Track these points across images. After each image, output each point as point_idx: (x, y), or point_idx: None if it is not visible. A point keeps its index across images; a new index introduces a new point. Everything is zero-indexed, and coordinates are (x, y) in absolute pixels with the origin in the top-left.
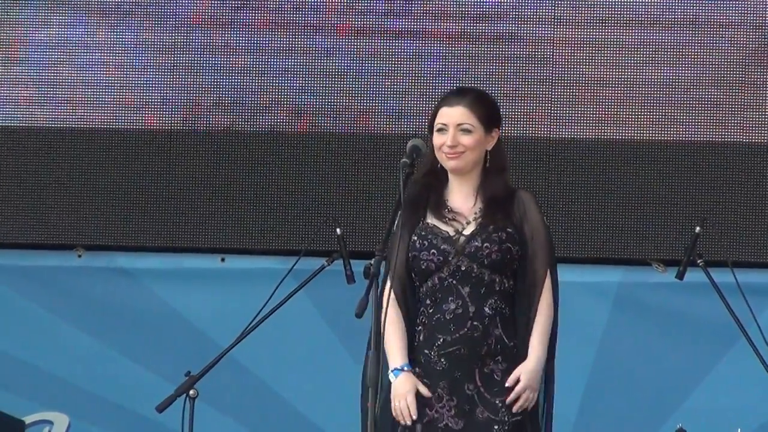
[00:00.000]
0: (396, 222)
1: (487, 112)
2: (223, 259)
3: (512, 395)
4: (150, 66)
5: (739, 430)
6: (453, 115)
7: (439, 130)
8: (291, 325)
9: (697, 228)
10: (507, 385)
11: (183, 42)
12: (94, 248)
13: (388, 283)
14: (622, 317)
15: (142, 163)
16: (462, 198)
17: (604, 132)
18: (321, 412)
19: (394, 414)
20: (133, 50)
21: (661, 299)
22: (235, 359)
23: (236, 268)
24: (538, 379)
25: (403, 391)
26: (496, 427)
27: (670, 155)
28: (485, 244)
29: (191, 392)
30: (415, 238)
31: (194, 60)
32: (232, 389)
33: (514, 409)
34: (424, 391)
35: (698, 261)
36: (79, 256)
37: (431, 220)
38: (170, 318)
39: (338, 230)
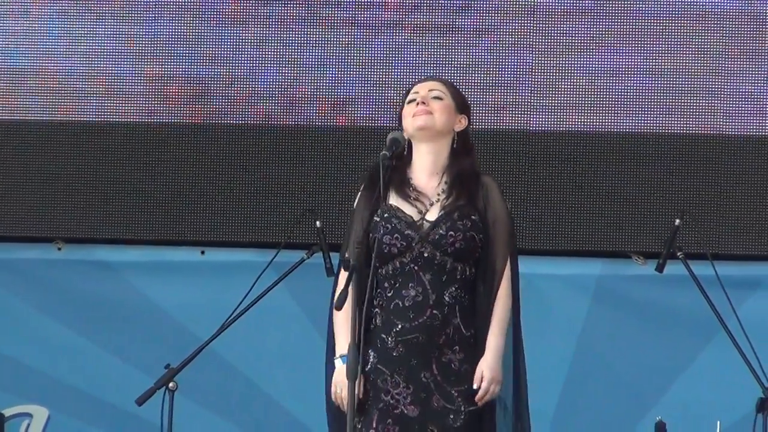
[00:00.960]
0: (356, 201)
1: (459, 95)
2: (203, 252)
3: (480, 392)
4: (130, 59)
5: (718, 422)
6: (425, 85)
7: (411, 101)
8: (270, 318)
9: (677, 220)
10: (474, 386)
11: (158, 33)
12: (73, 241)
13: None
14: (601, 310)
15: (122, 156)
16: (426, 177)
17: (584, 124)
18: (300, 403)
19: (333, 398)
20: (113, 43)
21: (640, 292)
22: (214, 352)
23: (216, 261)
24: (501, 370)
25: (345, 379)
26: (451, 416)
27: (650, 147)
28: (450, 232)
29: (171, 385)
30: (377, 219)
31: (173, 53)
32: (211, 382)
33: (480, 402)
34: (360, 391)
35: (678, 253)
36: (59, 249)
37: (394, 200)
38: (150, 311)
39: (318, 223)
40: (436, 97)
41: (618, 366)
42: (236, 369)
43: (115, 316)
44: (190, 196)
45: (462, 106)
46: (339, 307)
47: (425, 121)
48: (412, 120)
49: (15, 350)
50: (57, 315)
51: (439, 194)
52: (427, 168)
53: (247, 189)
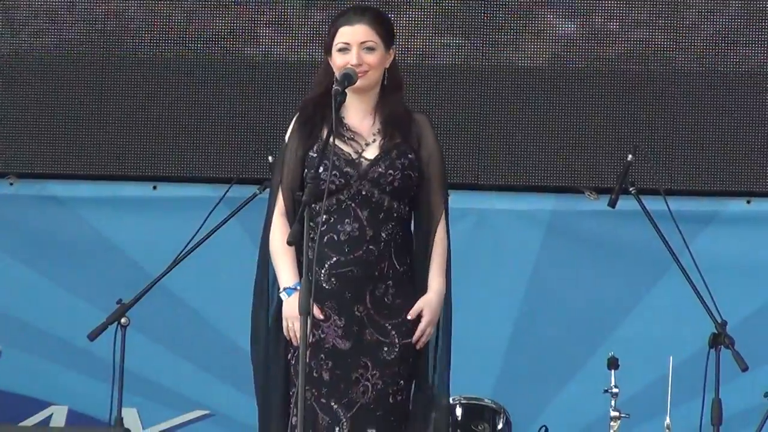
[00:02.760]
0: (287, 137)
1: (386, 30)
2: (155, 187)
3: (417, 333)
4: None
5: (671, 358)
6: (355, 33)
7: (341, 49)
8: (222, 253)
9: (630, 156)
10: (409, 317)
11: None
12: (26, 176)
13: (280, 196)
14: (554, 245)
15: (75, 90)
16: (359, 117)
17: (537, 59)
18: None
19: (285, 334)
20: None
21: (593, 227)
22: (166, 287)
23: (168, 196)
24: (438, 313)
25: (296, 313)
26: (385, 348)
27: (602, 82)
28: (389, 171)
29: (123, 320)
30: (314, 155)
31: None
32: (163, 317)
33: (418, 346)
34: (317, 312)
35: (630, 189)
36: (11, 184)
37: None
38: (102, 246)
39: (270, 158)
40: (369, 49)
41: (570, 301)
42: (188, 304)
43: (68, 252)
44: (142, 130)
45: (389, 40)
46: (292, 243)
47: (361, 84)
48: None
49: None
50: (9, 250)
51: (374, 134)
52: (359, 109)
53: (200, 124)
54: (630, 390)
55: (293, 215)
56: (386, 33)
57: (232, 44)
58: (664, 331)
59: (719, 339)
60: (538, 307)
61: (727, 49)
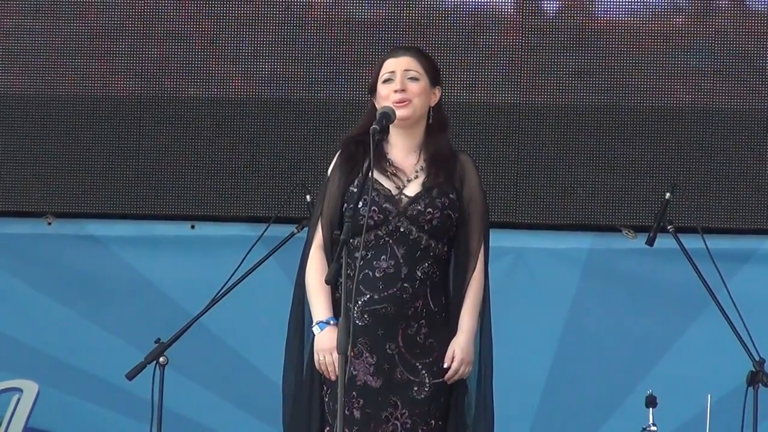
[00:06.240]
0: (330, 172)
1: (431, 66)
2: (193, 226)
3: (450, 373)
4: (117, 33)
5: (709, 396)
6: (400, 62)
7: (387, 80)
8: (261, 292)
9: (668, 194)
10: (445, 364)
11: (151, 10)
12: (63, 216)
13: (318, 230)
14: (591, 283)
15: (112, 130)
16: (403, 154)
17: (574, 97)
18: None
19: (318, 368)
20: (103, 17)
21: (631, 265)
22: (204, 326)
23: (206, 235)
24: (472, 351)
25: (329, 346)
26: (415, 388)
27: (640, 121)
28: (428, 209)
29: (161, 359)
30: (355, 189)
31: (161, 28)
32: (201, 356)
33: (450, 382)
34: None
35: (668, 227)
36: (49, 223)
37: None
38: (140, 285)
39: (308, 197)
40: (413, 78)
41: (608, 339)
42: (226, 344)
43: (105, 291)
44: (180, 170)
45: (435, 77)
46: (330, 282)
47: (404, 113)
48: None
49: (5, 325)
50: (47, 289)
51: (417, 171)
52: (404, 146)
53: (238, 163)
54: (668, 428)
55: (331, 249)
56: (430, 68)
57: (269, 84)
58: (702, 369)
59: (757, 377)
60: (575, 346)
61: (764, 88)
